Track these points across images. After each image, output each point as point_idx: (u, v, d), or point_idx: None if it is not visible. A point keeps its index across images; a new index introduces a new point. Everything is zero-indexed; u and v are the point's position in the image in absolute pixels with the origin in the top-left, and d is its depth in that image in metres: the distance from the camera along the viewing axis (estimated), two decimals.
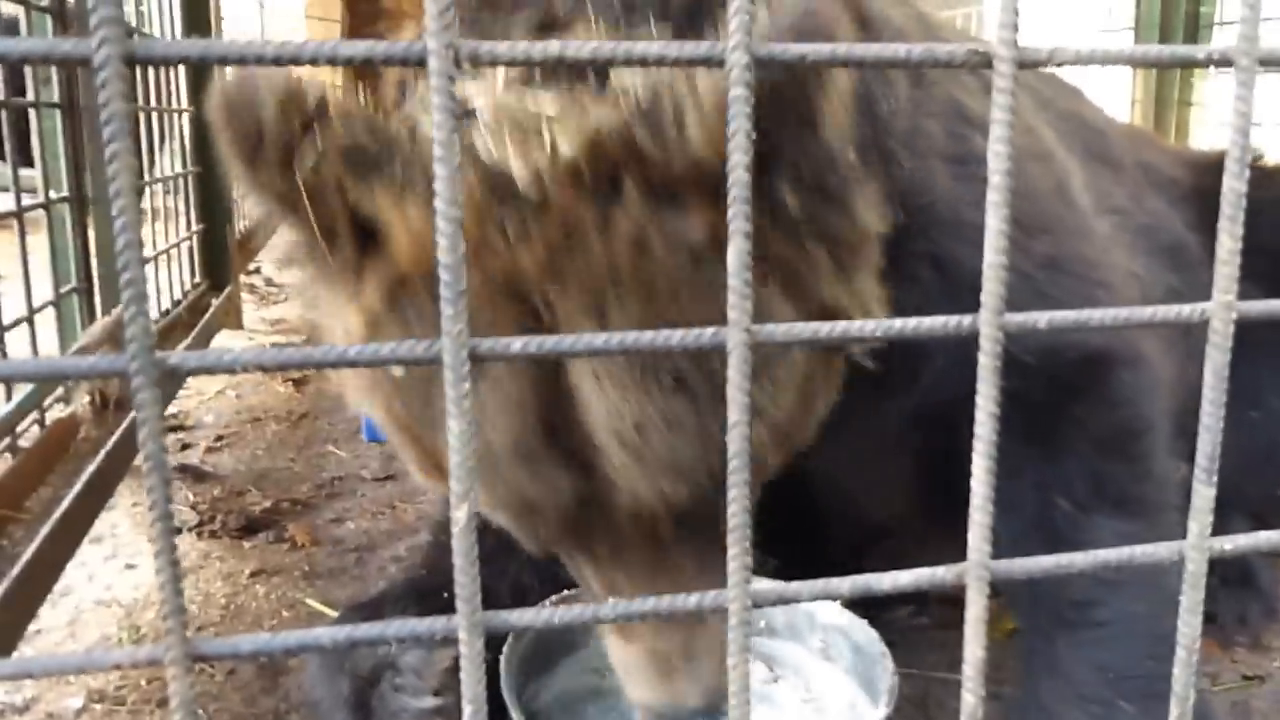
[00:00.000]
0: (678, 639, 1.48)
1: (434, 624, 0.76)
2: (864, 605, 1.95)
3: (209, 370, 0.70)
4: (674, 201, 1.19)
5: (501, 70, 1.29)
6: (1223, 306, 0.83)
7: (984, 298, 0.79)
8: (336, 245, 1.22)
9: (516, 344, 0.75)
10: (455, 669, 1.55)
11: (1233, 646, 2.26)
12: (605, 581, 1.47)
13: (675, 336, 0.77)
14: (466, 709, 0.76)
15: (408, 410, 1.31)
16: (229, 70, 1.27)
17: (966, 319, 0.80)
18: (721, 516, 0.81)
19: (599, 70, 1.22)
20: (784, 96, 1.13)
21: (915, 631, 2.12)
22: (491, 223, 1.17)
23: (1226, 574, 2.36)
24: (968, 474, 0.81)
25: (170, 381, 3.48)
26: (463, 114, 1.22)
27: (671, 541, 1.37)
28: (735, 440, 0.76)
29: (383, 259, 1.22)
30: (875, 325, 0.79)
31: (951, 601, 2.22)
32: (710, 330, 0.77)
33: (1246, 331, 2.48)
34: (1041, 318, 0.81)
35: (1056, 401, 1.78)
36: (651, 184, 1.18)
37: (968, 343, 1.35)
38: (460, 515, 0.74)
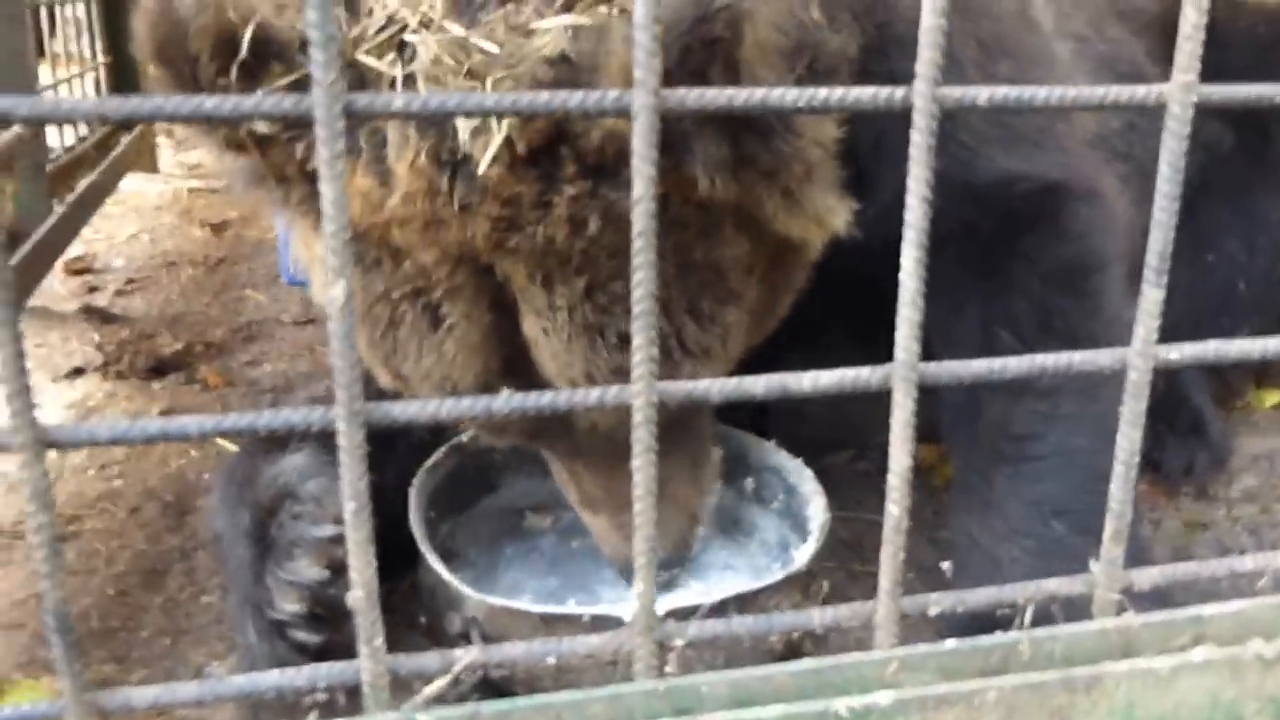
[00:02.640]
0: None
1: (310, 414, 0.70)
2: (803, 450, 1.90)
3: None
4: (609, 176, 1.21)
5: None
6: (1181, 88, 0.76)
7: (919, 66, 0.71)
8: (290, 187, 1.30)
9: (398, 100, 0.67)
10: None
11: (1178, 495, 2.23)
12: (570, 471, 1.62)
13: (576, 98, 0.70)
14: (347, 506, 0.70)
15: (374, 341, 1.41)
16: None
17: (900, 90, 0.72)
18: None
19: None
20: (701, 53, 1.11)
21: (854, 477, 2.08)
22: (442, 195, 1.21)
23: (1176, 422, 2.30)
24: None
25: None
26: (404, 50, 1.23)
27: (626, 444, 1.36)
28: (640, 217, 0.69)
29: None
30: (799, 94, 0.72)
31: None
32: (615, 93, 0.69)
33: (1207, 175, 2.38)
34: (981, 93, 0.74)
35: (1007, 234, 1.71)
36: (586, 157, 1.20)
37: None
38: (337, 293, 0.66)
